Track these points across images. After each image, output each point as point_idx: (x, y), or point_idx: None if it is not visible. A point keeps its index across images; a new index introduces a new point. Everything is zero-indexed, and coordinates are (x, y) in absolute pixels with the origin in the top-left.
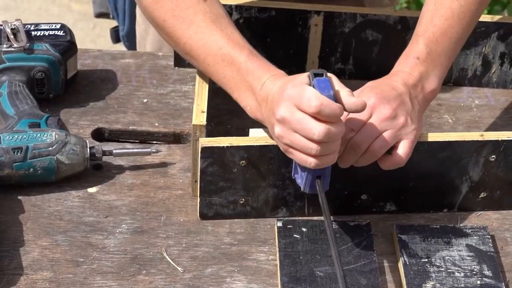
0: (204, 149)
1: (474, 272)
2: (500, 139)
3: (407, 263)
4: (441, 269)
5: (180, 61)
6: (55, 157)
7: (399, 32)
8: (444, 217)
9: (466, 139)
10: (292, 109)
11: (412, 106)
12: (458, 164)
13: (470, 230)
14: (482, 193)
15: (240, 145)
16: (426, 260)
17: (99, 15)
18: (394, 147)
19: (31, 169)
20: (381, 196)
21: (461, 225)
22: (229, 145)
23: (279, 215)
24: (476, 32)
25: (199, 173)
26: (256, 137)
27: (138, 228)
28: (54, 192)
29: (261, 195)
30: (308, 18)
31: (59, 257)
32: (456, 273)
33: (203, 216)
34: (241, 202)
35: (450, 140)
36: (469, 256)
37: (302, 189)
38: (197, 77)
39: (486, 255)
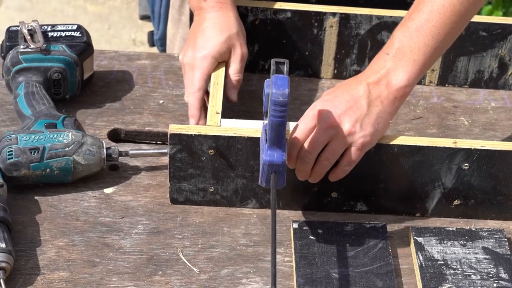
0: (173, 136)
1: (491, 275)
2: (473, 147)
3: (423, 265)
4: (457, 272)
5: None
6: (71, 158)
7: None
8: (460, 220)
9: (438, 145)
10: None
11: (368, 110)
12: (430, 170)
13: (486, 233)
14: (456, 201)
15: (208, 134)
16: (442, 262)
17: (143, 17)
18: (340, 156)
19: (48, 170)
20: (351, 195)
21: (477, 227)
22: (198, 133)
23: (249, 206)
24: (492, 34)
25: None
26: (225, 127)
27: (154, 229)
28: (71, 193)
29: (230, 185)
30: (323, 19)
31: (76, 257)
32: (473, 276)
33: (173, 201)
34: (211, 190)
35: (421, 145)
36: (485, 259)
37: (259, 182)
38: (212, 78)
39: (502, 258)
